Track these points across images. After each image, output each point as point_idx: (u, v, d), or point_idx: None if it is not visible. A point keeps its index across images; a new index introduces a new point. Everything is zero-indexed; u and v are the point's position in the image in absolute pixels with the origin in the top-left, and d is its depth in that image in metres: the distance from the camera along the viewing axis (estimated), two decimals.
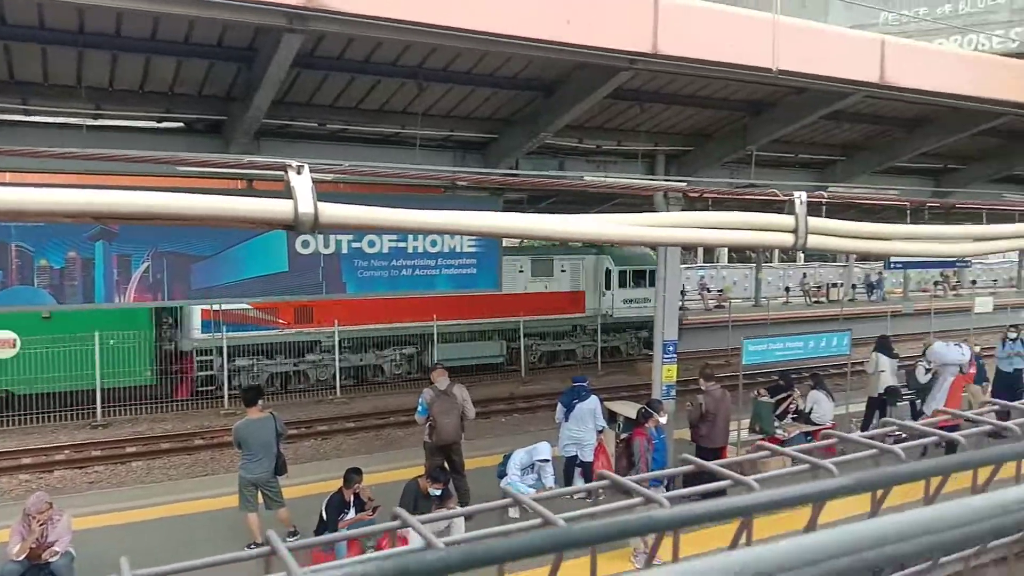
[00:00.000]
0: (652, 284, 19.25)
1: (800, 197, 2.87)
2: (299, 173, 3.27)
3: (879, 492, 1.31)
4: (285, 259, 9.07)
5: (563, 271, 22.56)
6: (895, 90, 8.68)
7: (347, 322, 18.86)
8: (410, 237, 9.54)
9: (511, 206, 15.82)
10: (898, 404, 14.33)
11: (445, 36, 6.43)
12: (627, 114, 10.05)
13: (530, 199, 16.00)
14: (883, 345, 14.80)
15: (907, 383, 14.37)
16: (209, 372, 18.20)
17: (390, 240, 9.59)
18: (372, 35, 6.51)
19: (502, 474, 11.15)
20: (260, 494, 9.17)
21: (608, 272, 23.24)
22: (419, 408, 10.39)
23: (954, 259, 18.99)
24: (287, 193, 3.31)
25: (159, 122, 8.65)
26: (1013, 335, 15.74)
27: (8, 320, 15.42)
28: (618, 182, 9.42)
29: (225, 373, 17.83)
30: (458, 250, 10.15)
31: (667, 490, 6.05)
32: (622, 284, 23.40)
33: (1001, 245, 4.67)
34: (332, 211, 3.25)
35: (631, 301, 23.37)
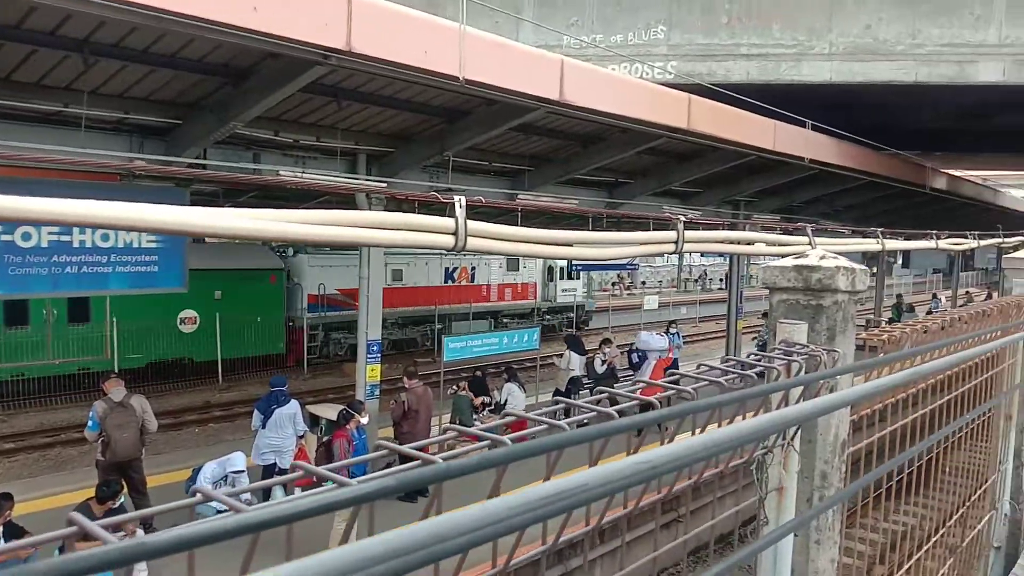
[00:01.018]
0: (577, 276, 30.91)
1: (460, 201, 3.02)
2: None
3: (552, 457, 1.42)
4: None
5: (525, 267, 28.70)
6: (572, 108, 9.52)
7: (391, 305, 21.40)
8: (76, 230, 8.47)
9: (205, 199, 14.79)
10: (580, 393, 15.94)
11: (112, 8, 5.79)
12: (326, 110, 9.88)
13: (226, 192, 15.07)
14: (574, 342, 16.46)
15: (587, 374, 16.00)
16: (313, 343, 22.39)
17: (51, 233, 8.43)
18: None
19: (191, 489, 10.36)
20: None
21: (550, 268, 29.57)
22: (89, 423, 9.30)
23: (613, 261, 22.30)
24: None
25: None
26: (673, 330, 18.59)
27: (190, 301, 18.55)
28: (318, 181, 9.21)
29: (304, 344, 21.96)
30: (135, 246, 9.22)
31: None
32: (561, 277, 30.05)
33: (646, 249, 5.35)
34: None
35: (567, 290, 30.48)
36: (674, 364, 16.38)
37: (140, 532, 7.76)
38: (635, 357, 16.69)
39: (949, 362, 1.97)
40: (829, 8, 13.35)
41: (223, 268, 19.35)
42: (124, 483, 9.03)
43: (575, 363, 15.88)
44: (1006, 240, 19.54)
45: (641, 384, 1.94)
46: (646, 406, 1.83)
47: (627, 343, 20.49)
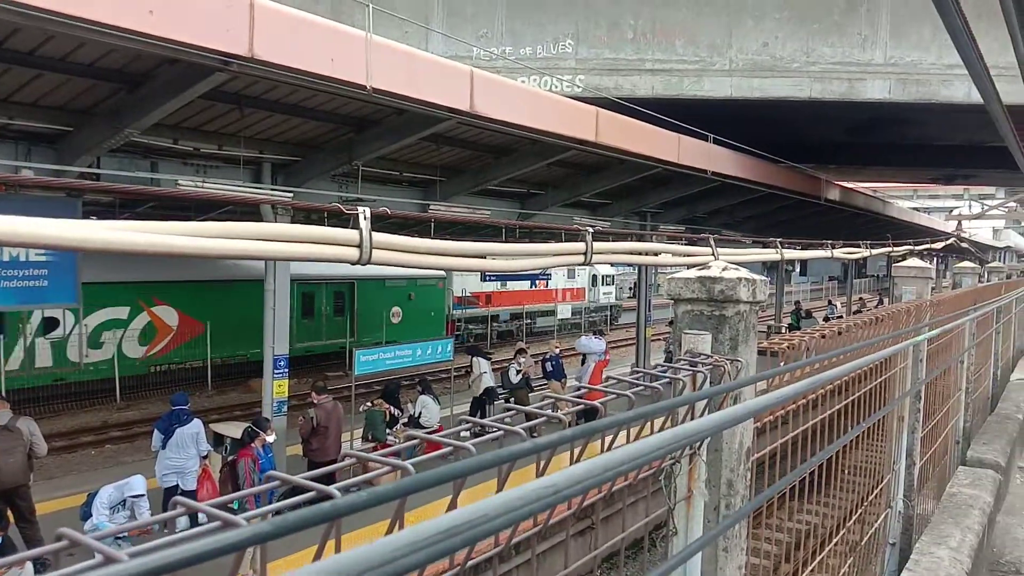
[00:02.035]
0: (612, 283, 39.70)
1: (364, 212, 2.94)
2: None
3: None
4: None
5: (578, 275, 35.74)
6: (483, 119, 9.53)
7: (498, 304, 31.81)
8: None
9: (101, 211, 14.10)
10: (496, 403, 15.94)
11: None
12: (228, 117, 9.56)
13: (123, 204, 14.38)
14: (476, 350, 16.53)
15: (502, 383, 16.00)
16: (458, 331, 28.23)
17: None
18: None
19: (86, 515, 9.78)
20: None
21: (594, 276, 37.17)
22: None
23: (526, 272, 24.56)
24: None
25: None
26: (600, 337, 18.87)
27: (398, 301, 25.46)
28: (219, 191, 8.88)
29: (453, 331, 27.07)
30: (23, 259, 8.68)
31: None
32: (602, 284, 38.07)
33: (557, 260, 5.38)
34: None
35: (606, 293, 38.67)
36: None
37: (28, 567, 7.25)
38: (549, 366, 16.98)
39: (848, 368, 2.03)
40: (728, 26, 13.86)
41: (414, 277, 25.22)
42: (10, 512, 8.47)
43: (485, 368, 15.91)
44: (895, 249, 20.71)
45: (584, 389, 1.93)
46: (591, 411, 1.84)
47: (541, 352, 20.72)
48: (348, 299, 24.35)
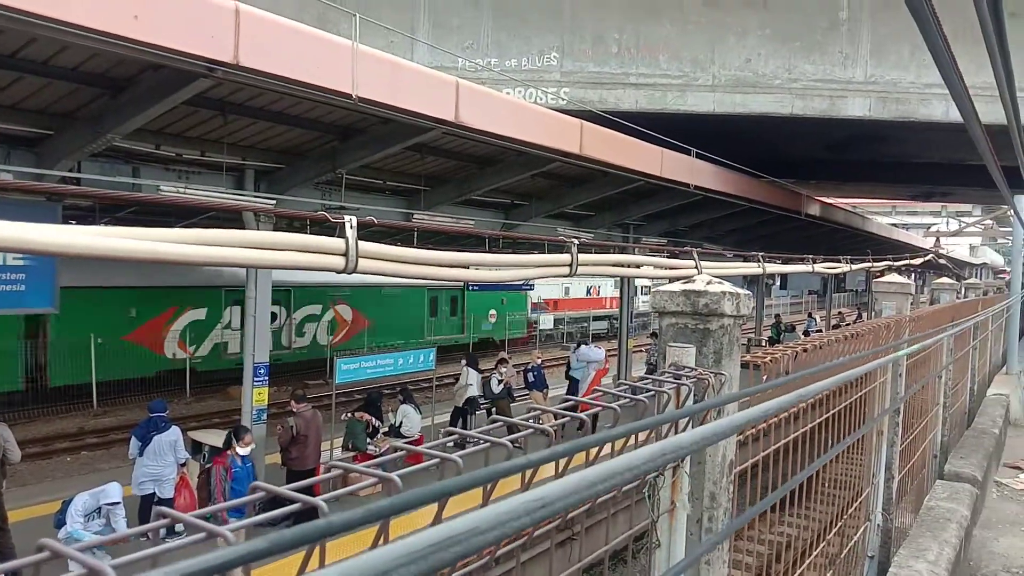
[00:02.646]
0: (648, 292, 41.27)
1: (351, 221, 2.93)
2: None
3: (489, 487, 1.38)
4: None
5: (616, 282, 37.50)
6: (468, 130, 9.54)
7: (563, 309, 36.65)
8: None
9: (81, 215, 13.97)
10: (477, 412, 15.92)
11: None
12: (212, 123, 9.50)
13: (104, 209, 14.24)
14: (472, 361, 16.44)
15: (483, 393, 15.96)
16: (533, 332, 33.65)
17: None
18: None
19: (60, 523, 9.63)
20: None
21: (635, 286, 38.57)
22: None
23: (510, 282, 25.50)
24: None
25: None
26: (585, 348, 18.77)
27: (495, 305, 30.16)
28: (201, 198, 8.82)
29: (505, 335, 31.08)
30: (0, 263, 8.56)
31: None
32: (640, 293, 38.71)
33: (542, 271, 5.39)
34: None
35: (644, 301, 38.40)
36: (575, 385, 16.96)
37: None
38: (531, 376, 16.98)
39: (829, 383, 2.05)
40: (712, 42, 13.99)
41: (507, 286, 28.23)
42: None
43: (473, 379, 15.86)
44: (874, 265, 20.93)
45: (575, 400, 1.94)
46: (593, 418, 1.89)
47: (522, 363, 20.73)
48: (460, 302, 28.91)
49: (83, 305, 16.77)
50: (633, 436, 1.99)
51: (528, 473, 1.66)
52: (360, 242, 2.89)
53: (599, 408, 1.82)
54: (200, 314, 20.38)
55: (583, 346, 18.47)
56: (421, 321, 27.22)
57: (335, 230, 3.13)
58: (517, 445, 1.61)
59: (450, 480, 0.75)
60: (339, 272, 3.02)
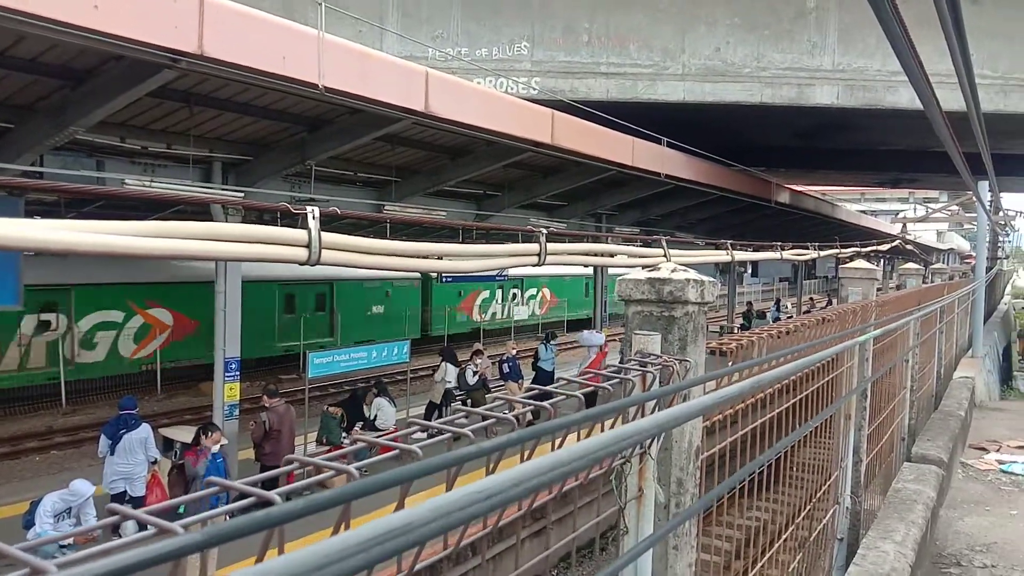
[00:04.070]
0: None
1: (313, 212, 2.90)
2: None
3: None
4: None
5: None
6: (438, 120, 9.48)
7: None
8: None
9: (45, 210, 13.69)
10: (452, 405, 15.87)
11: None
12: (177, 115, 9.36)
13: (68, 203, 13.97)
14: (449, 354, 16.33)
15: (458, 384, 15.91)
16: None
17: None
18: None
19: (29, 524, 9.47)
20: None
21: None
22: None
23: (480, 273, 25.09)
24: None
25: None
26: (553, 341, 18.67)
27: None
28: (167, 191, 8.68)
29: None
30: None
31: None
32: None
33: (511, 261, 5.38)
34: None
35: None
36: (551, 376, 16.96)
37: None
38: (506, 368, 16.93)
39: (795, 367, 2.07)
40: (682, 31, 14.04)
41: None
42: None
43: (451, 375, 15.79)
44: (843, 251, 21.20)
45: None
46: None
47: (498, 353, 20.71)
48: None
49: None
50: (599, 427, 1.99)
51: (492, 464, 1.65)
52: (323, 233, 2.87)
53: (562, 397, 1.81)
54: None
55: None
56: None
57: (299, 221, 3.11)
58: (488, 435, 1.60)
59: (403, 468, 0.73)
60: (302, 264, 2.99)
